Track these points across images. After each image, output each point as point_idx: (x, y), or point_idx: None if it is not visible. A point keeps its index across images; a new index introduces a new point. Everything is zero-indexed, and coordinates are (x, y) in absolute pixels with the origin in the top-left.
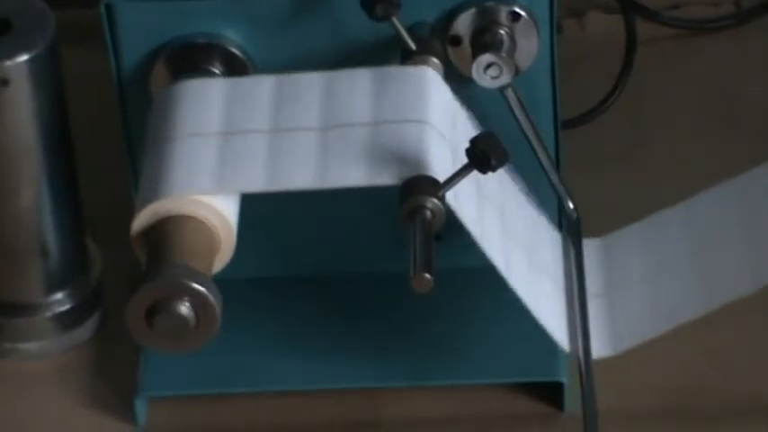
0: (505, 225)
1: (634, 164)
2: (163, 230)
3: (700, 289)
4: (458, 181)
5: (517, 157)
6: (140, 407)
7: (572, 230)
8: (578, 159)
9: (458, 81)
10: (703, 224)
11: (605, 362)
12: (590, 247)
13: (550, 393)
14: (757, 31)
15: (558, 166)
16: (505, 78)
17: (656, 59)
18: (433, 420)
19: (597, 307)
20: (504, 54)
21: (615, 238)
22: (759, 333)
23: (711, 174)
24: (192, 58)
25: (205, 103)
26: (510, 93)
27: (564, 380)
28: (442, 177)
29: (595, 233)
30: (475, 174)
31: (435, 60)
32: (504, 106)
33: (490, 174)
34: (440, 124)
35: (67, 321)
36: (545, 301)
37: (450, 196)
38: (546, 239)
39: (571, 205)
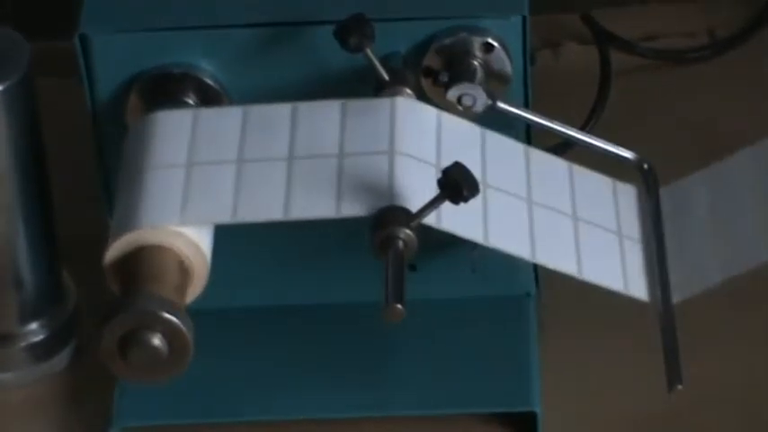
0: (536, 198)
1: None
2: (135, 261)
3: (761, 239)
4: (430, 211)
5: None
6: None
7: (647, 181)
8: None
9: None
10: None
11: (583, 393)
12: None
13: (524, 423)
14: (732, 61)
15: None
16: (479, 106)
17: (630, 90)
18: None
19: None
20: (477, 84)
21: (680, 185)
22: (744, 362)
23: None
24: (166, 88)
25: (176, 134)
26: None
27: (537, 410)
28: (418, 205)
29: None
30: (480, 164)
31: (408, 91)
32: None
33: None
34: (417, 152)
35: (42, 352)
36: (626, 259)
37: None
38: (622, 197)
39: (646, 165)
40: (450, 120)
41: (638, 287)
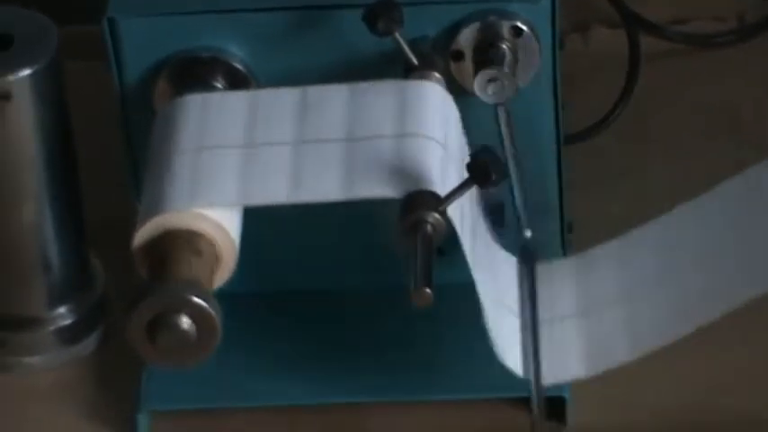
0: (476, 245)
1: (637, 179)
2: (164, 245)
3: (672, 312)
4: (459, 196)
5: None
6: (142, 421)
7: (526, 257)
8: (581, 175)
9: (456, 96)
10: (675, 243)
11: (608, 378)
12: (565, 266)
13: (552, 408)
14: (762, 46)
15: (560, 180)
16: (508, 93)
17: (659, 74)
18: None
19: (572, 327)
20: (506, 69)
21: (590, 256)
22: (760, 352)
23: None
24: (194, 72)
25: (206, 117)
26: (502, 110)
27: (566, 395)
28: (442, 192)
29: None
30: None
31: (437, 75)
32: (492, 125)
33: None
34: (441, 138)
35: (70, 335)
36: (504, 330)
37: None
38: (502, 263)
39: (528, 233)
40: (457, 117)
41: (512, 358)
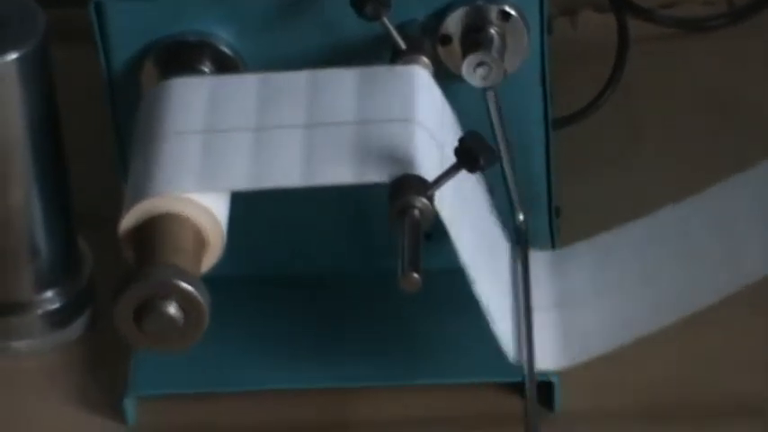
0: (475, 231)
1: (626, 163)
2: (150, 229)
3: (650, 306)
4: (446, 180)
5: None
6: (130, 406)
7: (521, 243)
8: (569, 159)
9: (443, 80)
10: (657, 241)
11: (595, 360)
12: (542, 259)
13: (541, 392)
14: (751, 30)
15: (548, 165)
16: (495, 77)
17: (648, 58)
18: (423, 420)
19: (550, 319)
20: (494, 53)
21: (568, 252)
22: (746, 332)
23: (705, 174)
24: (182, 56)
25: (191, 101)
26: (491, 95)
27: (554, 380)
28: (430, 176)
29: (586, 234)
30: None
31: (425, 59)
32: (482, 110)
33: (468, 176)
34: (428, 123)
35: (57, 320)
36: (500, 310)
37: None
38: (501, 249)
39: (521, 217)
40: (445, 102)
41: (505, 338)
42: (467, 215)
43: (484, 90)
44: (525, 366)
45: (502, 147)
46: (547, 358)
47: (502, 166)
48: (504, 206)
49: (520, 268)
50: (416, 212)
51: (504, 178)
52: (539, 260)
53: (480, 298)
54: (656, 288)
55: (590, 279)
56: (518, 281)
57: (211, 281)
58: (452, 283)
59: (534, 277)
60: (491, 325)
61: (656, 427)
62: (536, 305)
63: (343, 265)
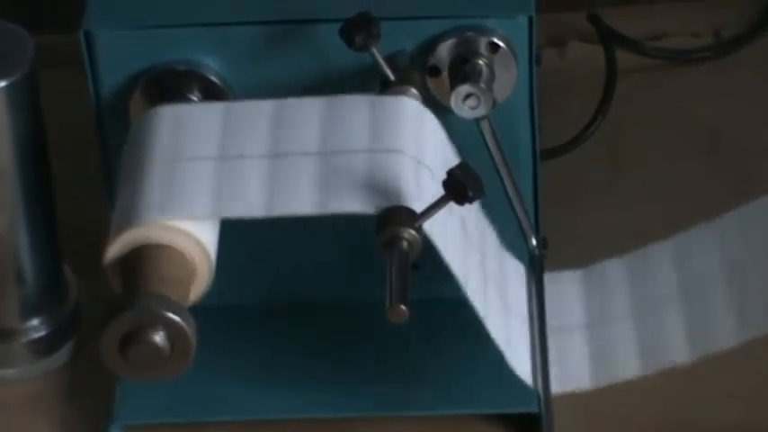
0: (483, 261)
1: (614, 194)
2: (137, 258)
3: (685, 334)
4: (435, 212)
5: (490, 190)
6: None
7: (535, 267)
8: (557, 190)
9: (435, 110)
10: (691, 263)
11: (591, 393)
12: (572, 277)
13: (527, 424)
14: (737, 62)
15: (536, 196)
16: (484, 109)
17: (636, 90)
18: None
19: (577, 339)
20: (482, 85)
21: (599, 269)
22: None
23: (691, 205)
24: (170, 85)
25: (179, 128)
26: (485, 124)
27: (538, 410)
28: (420, 207)
29: (574, 264)
30: (459, 208)
31: (414, 90)
32: (479, 138)
33: (469, 207)
34: (419, 154)
35: (43, 347)
36: (513, 339)
37: (431, 230)
38: (513, 275)
39: (534, 242)
40: (441, 131)
41: (522, 365)
42: (470, 245)
43: (477, 121)
44: (540, 392)
45: (504, 173)
46: (576, 378)
47: (507, 193)
48: (513, 233)
49: (534, 292)
50: (404, 244)
51: (512, 204)
52: (567, 279)
53: (486, 325)
54: (699, 309)
55: (624, 299)
56: (533, 305)
57: (201, 309)
58: (448, 313)
59: (567, 295)
60: (504, 354)
61: None
62: (565, 324)
63: (339, 293)
